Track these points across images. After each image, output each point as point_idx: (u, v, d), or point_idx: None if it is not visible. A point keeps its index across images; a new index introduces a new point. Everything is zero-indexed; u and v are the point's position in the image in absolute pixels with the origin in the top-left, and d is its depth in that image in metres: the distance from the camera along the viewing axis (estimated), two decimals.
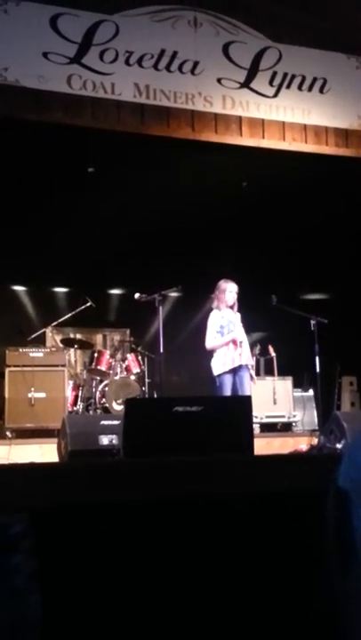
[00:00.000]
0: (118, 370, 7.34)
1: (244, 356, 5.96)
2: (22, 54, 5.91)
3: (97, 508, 2.12)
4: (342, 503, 0.78)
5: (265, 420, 7.33)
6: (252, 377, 6.08)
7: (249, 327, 6.35)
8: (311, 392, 7.83)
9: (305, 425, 7.53)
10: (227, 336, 5.94)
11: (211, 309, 6.16)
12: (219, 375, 5.88)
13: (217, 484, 2.46)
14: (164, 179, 7.05)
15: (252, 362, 6.25)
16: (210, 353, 6.00)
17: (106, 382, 7.26)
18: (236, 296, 6.04)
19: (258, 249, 8.13)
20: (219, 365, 5.90)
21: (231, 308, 6.05)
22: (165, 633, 1.92)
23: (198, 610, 1.96)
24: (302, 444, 5.79)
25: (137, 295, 6.28)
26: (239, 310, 6.14)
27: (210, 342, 5.96)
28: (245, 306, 6.25)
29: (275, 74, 6.77)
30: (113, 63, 6.20)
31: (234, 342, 5.92)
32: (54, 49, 6.02)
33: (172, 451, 3.05)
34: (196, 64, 6.48)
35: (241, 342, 5.94)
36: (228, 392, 5.81)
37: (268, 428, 7.39)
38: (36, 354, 6.81)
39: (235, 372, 5.88)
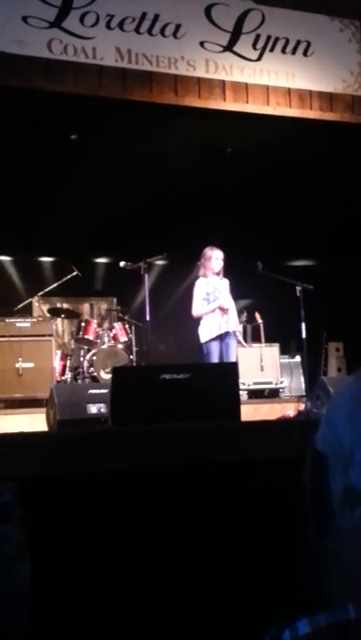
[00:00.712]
0: (106, 339, 7.34)
1: (231, 322, 5.98)
2: (1, 19, 5.77)
3: (86, 476, 2.12)
4: (320, 466, 0.77)
5: (253, 387, 7.39)
6: (240, 342, 6.11)
7: (235, 294, 6.35)
8: (298, 358, 7.87)
9: (292, 391, 7.60)
10: (212, 303, 5.95)
11: (197, 277, 6.15)
12: (206, 342, 5.90)
13: (204, 450, 2.46)
14: (148, 145, 6.97)
15: (239, 328, 6.28)
16: (197, 321, 6.01)
17: (93, 351, 7.26)
18: (221, 263, 6.02)
19: (243, 215, 8.08)
20: (205, 332, 5.91)
21: (218, 275, 6.03)
22: (156, 596, 1.95)
23: (188, 573, 1.99)
24: (290, 410, 5.85)
25: (122, 263, 6.27)
26: (226, 277, 6.12)
27: (196, 310, 5.97)
28: (231, 273, 6.25)
29: (258, 37, 6.67)
30: (94, 27, 6.08)
31: (221, 309, 5.93)
32: (34, 13, 5.88)
33: (160, 418, 3.04)
34: (178, 27, 6.36)
35: (227, 309, 5.95)
36: (215, 359, 5.84)
37: (256, 395, 7.45)
38: (23, 324, 6.79)
39: (221, 338, 5.90)
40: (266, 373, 7.51)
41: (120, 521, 2.04)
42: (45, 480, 2.02)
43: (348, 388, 0.79)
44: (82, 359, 7.31)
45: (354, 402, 0.77)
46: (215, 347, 5.88)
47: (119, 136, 6.84)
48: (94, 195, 7.47)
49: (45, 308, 8.35)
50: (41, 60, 5.91)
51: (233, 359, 5.85)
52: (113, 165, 7.21)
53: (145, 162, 7.18)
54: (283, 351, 7.83)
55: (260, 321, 7.96)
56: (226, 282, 6.10)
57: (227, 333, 5.93)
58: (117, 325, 7.51)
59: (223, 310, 5.93)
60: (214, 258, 6.03)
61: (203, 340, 5.93)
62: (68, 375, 7.26)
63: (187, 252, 7.22)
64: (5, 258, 9.13)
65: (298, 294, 6.14)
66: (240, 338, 6.19)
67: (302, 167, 7.41)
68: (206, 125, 6.82)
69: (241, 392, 6.46)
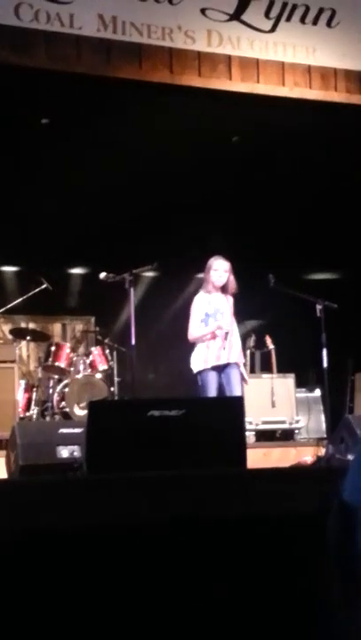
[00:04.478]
0: (81, 367, 7.36)
1: (234, 351, 5.96)
2: None
3: (54, 534, 2.12)
4: (348, 522, 0.78)
5: (261, 427, 7.38)
6: (243, 377, 6.08)
7: (242, 314, 6.37)
8: (318, 392, 7.87)
9: (310, 432, 7.60)
10: (210, 326, 5.90)
11: (195, 292, 6.16)
12: (200, 372, 5.89)
13: (202, 504, 2.49)
14: (135, 133, 7.01)
15: (242, 359, 6.25)
16: (193, 345, 6.00)
17: (66, 382, 7.27)
18: (224, 275, 5.98)
19: (252, 218, 8.14)
20: (199, 361, 5.90)
21: (222, 291, 6.04)
22: None
23: None
24: (307, 456, 5.81)
25: (103, 275, 6.27)
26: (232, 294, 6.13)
27: (193, 332, 5.93)
28: (237, 288, 6.22)
29: (272, 3, 6.73)
30: None
31: (220, 332, 5.91)
32: None
33: (147, 464, 3.08)
34: None
35: (227, 333, 5.91)
36: (212, 392, 5.82)
37: (266, 437, 7.44)
38: None
39: (220, 368, 5.89)
40: (278, 410, 7.49)
41: (98, 585, 2.04)
42: (4, 537, 2.03)
43: None
44: (51, 391, 7.31)
45: None
46: (212, 377, 5.86)
47: (100, 121, 6.87)
48: (69, 191, 7.50)
49: (7, 328, 8.36)
50: (7, 29, 5.95)
51: (237, 392, 5.81)
52: (93, 157, 7.23)
53: (132, 153, 7.20)
54: (299, 383, 7.81)
55: (271, 346, 7.94)
56: (229, 300, 6.07)
57: (228, 364, 5.90)
58: (96, 350, 7.52)
59: (226, 336, 5.89)
60: (213, 269, 6.01)
61: (196, 369, 5.91)
62: (34, 410, 7.26)
63: (182, 262, 7.25)
64: None
65: (318, 314, 6.14)
66: (243, 371, 6.16)
67: (325, 161, 7.46)
68: (208, 109, 6.85)
69: (247, 433, 6.37)
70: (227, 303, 6.04)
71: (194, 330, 5.96)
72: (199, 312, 5.97)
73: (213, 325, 5.90)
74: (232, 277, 6.03)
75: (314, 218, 8.26)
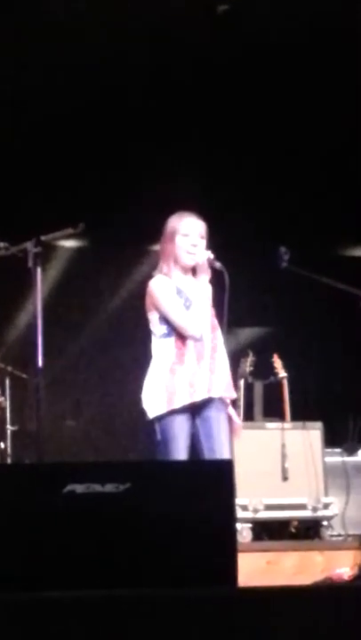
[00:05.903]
0: None
1: (218, 378, 6.03)
2: None
3: None
4: None
5: (264, 515, 7.44)
6: (232, 423, 6.15)
7: (231, 317, 6.30)
8: None
9: (349, 524, 7.68)
10: (194, 308, 5.97)
11: (152, 275, 6.18)
12: (160, 418, 5.92)
13: None
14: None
15: (233, 393, 6.33)
16: (144, 369, 6.02)
17: None
18: (200, 244, 6.05)
19: (248, 151, 8.25)
20: (159, 397, 5.96)
21: (193, 272, 6.09)
22: None
23: None
24: (343, 567, 5.93)
25: None
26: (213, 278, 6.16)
27: (188, 323, 5.95)
28: (227, 271, 6.19)
29: None
30: None
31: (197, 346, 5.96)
32: None
33: (63, 579, 3.19)
34: None
35: (215, 346, 6.01)
36: (180, 452, 5.89)
37: (272, 532, 7.52)
38: None
39: (195, 409, 5.96)
40: (293, 486, 7.57)
41: None
42: None
43: None
44: None
45: None
46: (181, 425, 5.92)
47: None
48: None
49: None
50: None
51: (224, 452, 5.88)
52: None
53: (38, 37, 7.31)
54: (331, 439, 7.93)
55: (282, 374, 8.04)
56: (207, 288, 6.13)
57: (209, 400, 5.96)
58: None
59: (215, 350, 5.92)
60: (181, 233, 6.05)
61: (152, 412, 5.95)
62: None
63: (128, 225, 7.23)
64: None
65: None
66: (232, 413, 6.20)
67: None
68: None
69: (240, 525, 6.62)
70: (203, 293, 6.10)
71: (184, 319, 5.99)
72: (168, 291, 6.02)
73: (197, 308, 5.95)
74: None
75: (347, 157, 8.44)
